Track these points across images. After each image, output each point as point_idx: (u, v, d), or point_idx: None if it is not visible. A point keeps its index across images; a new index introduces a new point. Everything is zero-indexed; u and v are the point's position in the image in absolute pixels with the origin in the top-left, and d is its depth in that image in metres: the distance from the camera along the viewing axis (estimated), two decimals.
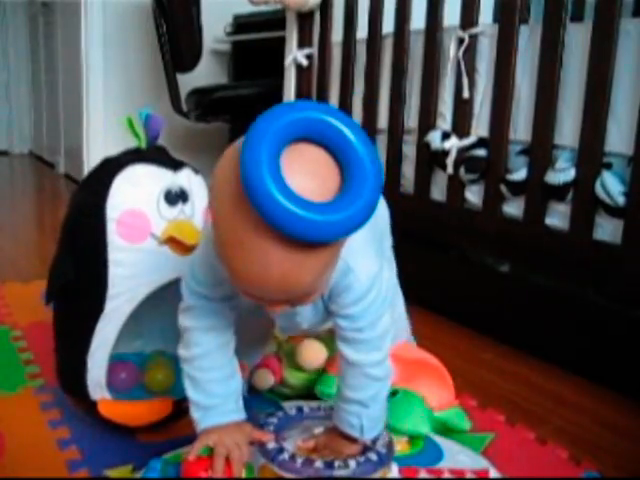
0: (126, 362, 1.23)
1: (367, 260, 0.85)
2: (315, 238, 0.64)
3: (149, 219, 1.08)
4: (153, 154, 1.13)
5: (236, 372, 0.95)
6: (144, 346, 1.31)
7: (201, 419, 0.92)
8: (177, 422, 1.15)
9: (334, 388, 1.04)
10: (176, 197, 1.10)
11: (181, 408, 1.11)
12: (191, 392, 0.93)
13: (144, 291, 1.09)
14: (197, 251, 0.92)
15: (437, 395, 1.14)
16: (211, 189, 0.72)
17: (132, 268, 1.08)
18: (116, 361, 1.17)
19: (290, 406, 1.02)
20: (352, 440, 0.92)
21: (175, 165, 1.13)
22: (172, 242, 1.09)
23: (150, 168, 1.10)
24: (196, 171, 1.18)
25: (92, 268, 1.07)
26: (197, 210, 1.13)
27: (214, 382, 0.92)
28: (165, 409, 1.13)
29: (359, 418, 0.90)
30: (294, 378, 1.26)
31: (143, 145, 1.14)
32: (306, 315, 0.94)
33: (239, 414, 0.94)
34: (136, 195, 1.08)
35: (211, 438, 0.89)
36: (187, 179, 1.13)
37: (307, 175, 0.65)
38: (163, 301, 1.12)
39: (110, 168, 1.10)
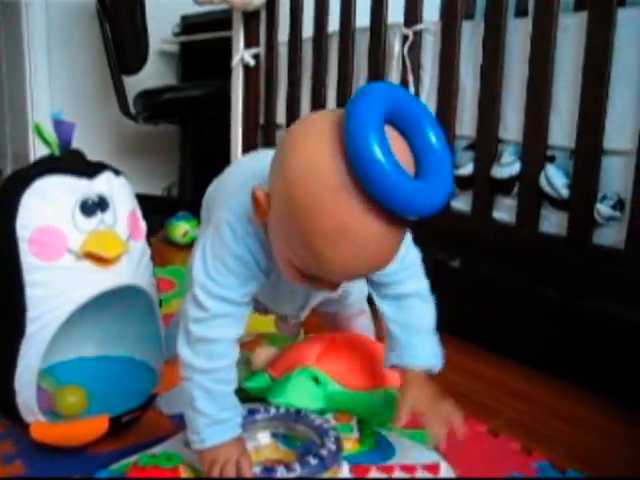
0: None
1: None
2: (425, 212, 0.67)
3: (64, 234, 1.03)
4: (66, 162, 1.08)
5: None
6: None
7: (211, 435, 0.86)
8: (126, 433, 1.12)
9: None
10: (93, 206, 1.06)
11: (120, 424, 1.08)
12: (204, 404, 0.86)
13: (67, 309, 1.04)
14: (207, 253, 0.85)
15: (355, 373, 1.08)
16: (285, 183, 0.71)
17: (50, 288, 1.03)
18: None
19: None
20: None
21: (91, 171, 1.08)
22: (91, 256, 1.04)
23: (62, 178, 1.05)
24: (117, 173, 1.14)
25: (8, 292, 1.03)
26: (120, 216, 1.10)
27: (229, 395, 0.89)
28: (101, 428, 1.07)
29: (434, 346, 0.95)
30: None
31: (56, 152, 1.08)
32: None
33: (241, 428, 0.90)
34: (48, 210, 1.03)
35: (219, 460, 0.85)
36: (106, 184, 1.09)
37: (403, 157, 0.67)
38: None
39: (18, 183, 1.04)
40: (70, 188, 1.05)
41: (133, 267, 1.12)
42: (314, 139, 0.69)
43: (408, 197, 0.64)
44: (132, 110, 2.85)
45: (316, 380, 1.03)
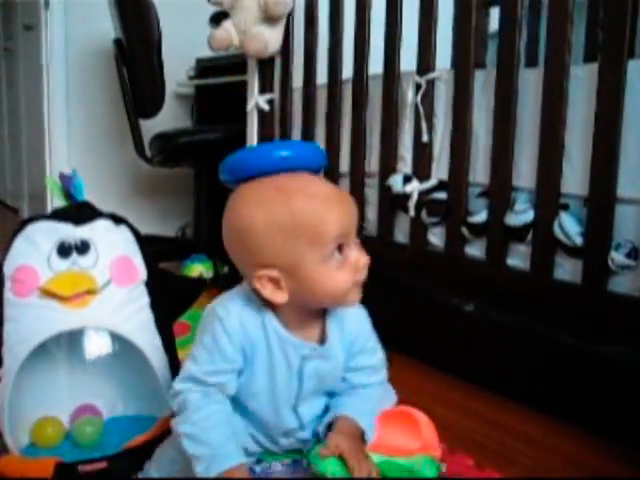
0: None
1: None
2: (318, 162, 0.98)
3: (37, 273, 1.11)
4: (65, 210, 1.19)
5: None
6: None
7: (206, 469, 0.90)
8: None
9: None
10: (69, 249, 1.13)
11: (76, 473, 1.07)
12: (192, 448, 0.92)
13: (28, 346, 1.09)
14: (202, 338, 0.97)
15: (402, 440, 1.11)
16: (266, 231, 0.90)
17: (17, 323, 1.11)
18: None
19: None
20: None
21: (82, 218, 1.17)
22: (49, 294, 1.10)
23: (48, 224, 1.16)
24: (118, 222, 1.22)
25: None
26: (102, 260, 1.16)
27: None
28: (45, 470, 1.07)
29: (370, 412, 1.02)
30: None
31: (66, 203, 1.20)
32: (335, 360, 1.02)
33: (241, 457, 0.92)
34: (28, 251, 1.13)
35: None
36: (92, 231, 1.17)
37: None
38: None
39: (17, 228, 1.17)
40: (52, 232, 1.15)
41: (107, 310, 1.15)
42: (245, 198, 0.95)
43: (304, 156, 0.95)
44: (148, 153, 2.88)
45: None
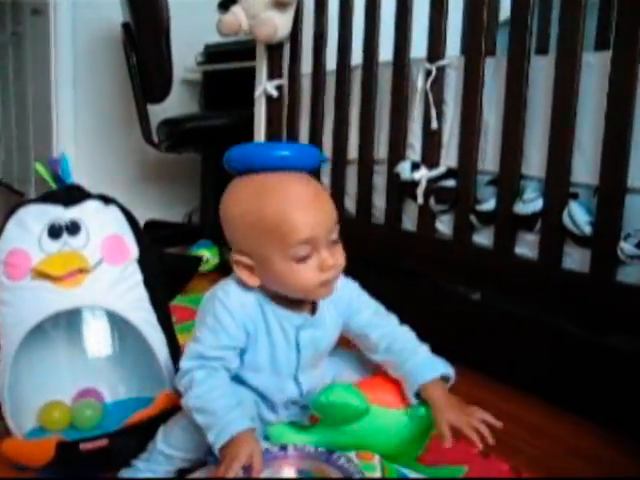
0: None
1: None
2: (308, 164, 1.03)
3: (29, 256, 1.13)
4: (55, 193, 1.22)
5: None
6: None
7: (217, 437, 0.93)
8: None
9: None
10: (60, 230, 1.15)
11: (78, 452, 1.08)
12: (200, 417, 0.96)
13: (24, 328, 1.11)
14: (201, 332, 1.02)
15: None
16: (242, 222, 0.98)
17: (12, 306, 1.13)
18: None
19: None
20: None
21: (72, 200, 1.19)
22: (41, 275, 1.12)
23: (39, 207, 1.18)
24: (107, 202, 1.24)
25: None
26: (93, 240, 1.17)
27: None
28: (46, 451, 1.07)
29: (435, 358, 1.08)
30: None
31: (54, 186, 1.23)
32: (326, 328, 1.08)
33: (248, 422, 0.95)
34: (19, 235, 1.15)
35: (229, 453, 0.90)
36: (82, 212, 1.18)
37: None
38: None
39: (8, 213, 1.19)
40: (42, 214, 1.17)
41: (101, 289, 1.16)
42: (237, 191, 1.02)
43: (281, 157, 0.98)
44: (155, 138, 2.88)
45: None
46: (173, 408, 1.09)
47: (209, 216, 2.99)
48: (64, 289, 1.12)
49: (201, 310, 1.05)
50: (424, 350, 1.09)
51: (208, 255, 2.61)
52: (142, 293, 1.22)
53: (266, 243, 0.97)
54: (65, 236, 1.15)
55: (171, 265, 1.38)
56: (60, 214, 1.17)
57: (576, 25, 1.36)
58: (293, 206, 0.96)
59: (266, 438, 1.03)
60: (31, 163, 4.15)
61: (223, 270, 2.65)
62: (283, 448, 1.00)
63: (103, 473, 1.11)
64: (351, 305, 1.11)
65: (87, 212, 1.19)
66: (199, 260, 1.56)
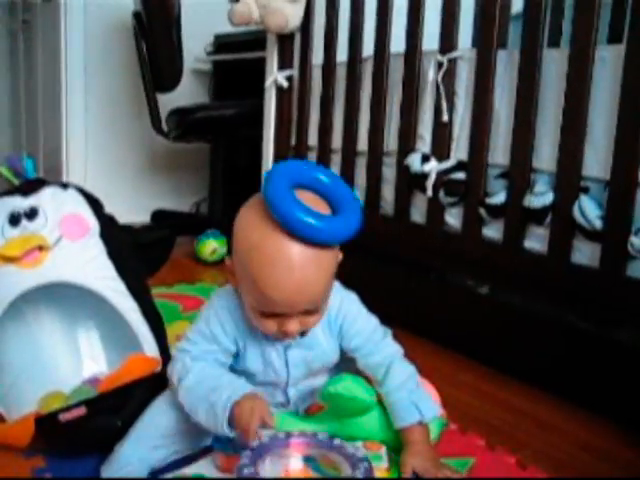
0: None
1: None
2: (327, 240, 0.91)
3: None
4: (16, 187, 1.28)
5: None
6: None
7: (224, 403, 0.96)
8: None
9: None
10: (18, 217, 1.21)
11: (58, 423, 1.10)
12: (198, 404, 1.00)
13: None
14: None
15: None
16: (236, 243, 0.97)
17: None
18: None
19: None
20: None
21: (30, 189, 1.25)
22: (5, 259, 1.17)
23: (0, 200, 1.25)
24: (65, 187, 1.29)
25: None
26: (51, 221, 1.22)
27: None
28: (26, 427, 1.10)
29: (412, 398, 1.05)
30: None
31: (16, 182, 1.30)
32: (319, 348, 1.07)
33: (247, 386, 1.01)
34: None
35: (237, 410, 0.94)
36: (39, 198, 1.24)
37: (313, 203, 0.93)
38: None
39: None
40: (3, 206, 1.23)
41: (62, 264, 1.20)
42: (248, 210, 0.97)
43: (312, 231, 0.89)
44: (164, 127, 2.88)
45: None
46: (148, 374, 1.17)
47: (217, 206, 3.00)
48: (27, 270, 1.17)
49: (203, 310, 1.08)
50: (409, 388, 1.07)
51: (216, 245, 2.61)
52: (106, 263, 1.26)
53: (244, 279, 0.96)
54: (24, 222, 1.21)
55: (144, 237, 1.42)
56: (19, 203, 1.23)
57: (590, 18, 1.35)
58: (274, 281, 0.91)
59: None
60: (40, 152, 4.15)
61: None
62: (289, 435, 1.00)
63: (86, 447, 1.13)
64: (343, 329, 1.08)
65: (44, 197, 1.25)
66: (173, 233, 1.59)
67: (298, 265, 0.90)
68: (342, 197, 0.95)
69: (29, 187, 1.27)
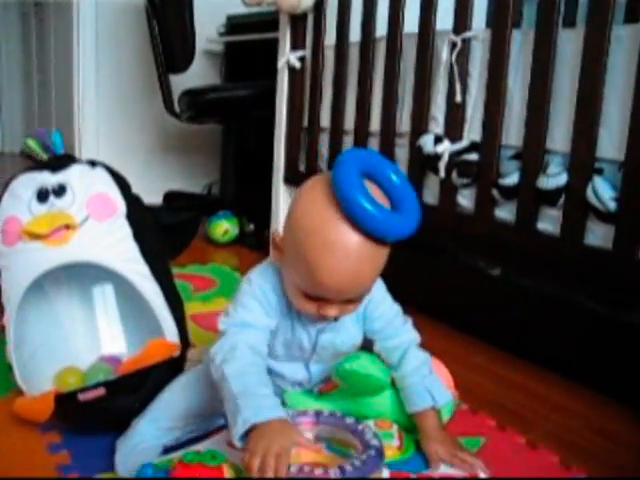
0: None
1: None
2: (389, 234, 0.91)
3: (20, 221, 1.17)
4: (45, 162, 1.26)
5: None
6: None
7: (246, 418, 0.87)
8: None
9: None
10: (47, 193, 1.20)
11: (77, 402, 1.10)
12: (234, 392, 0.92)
13: (18, 291, 1.17)
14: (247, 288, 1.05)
15: None
16: (294, 221, 0.95)
17: (9, 271, 1.20)
18: None
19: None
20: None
21: (58, 165, 1.24)
22: (30, 235, 1.16)
23: (27, 175, 1.23)
24: (93, 165, 1.28)
25: None
26: (79, 199, 1.21)
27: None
28: (47, 403, 1.11)
29: (426, 383, 1.07)
30: None
31: (44, 157, 1.27)
32: (347, 333, 1.09)
33: (280, 411, 0.91)
34: (12, 203, 1.21)
35: (260, 446, 0.84)
36: (68, 175, 1.23)
37: (377, 196, 0.90)
38: None
39: (4, 186, 1.25)
40: (31, 181, 1.22)
41: (88, 244, 1.20)
42: (311, 191, 0.95)
43: (375, 223, 0.88)
44: (176, 108, 2.88)
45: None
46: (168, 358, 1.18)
47: (229, 187, 3.00)
48: (53, 247, 1.17)
49: (239, 292, 1.06)
50: (422, 373, 1.09)
51: (228, 226, 2.62)
52: (131, 245, 1.24)
53: (295, 259, 0.95)
54: (52, 198, 1.20)
55: (169, 219, 1.41)
56: (47, 179, 1.22)
57: None
58: (329, 267, 0.90)
59: (283, 404, 1.03)
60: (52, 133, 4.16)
61: (243, 241, 2.67)
62: (301, 413, 1.00)
63: (103, 425, 1.14)
64: (367, 312, 1.10)
65: (73, 175, 1.23)
66: (198, 216, 1.57)
67: (355, 256, 0.90)
68: (404, 196, 0.94)
69: (57, 163, 1.25)
